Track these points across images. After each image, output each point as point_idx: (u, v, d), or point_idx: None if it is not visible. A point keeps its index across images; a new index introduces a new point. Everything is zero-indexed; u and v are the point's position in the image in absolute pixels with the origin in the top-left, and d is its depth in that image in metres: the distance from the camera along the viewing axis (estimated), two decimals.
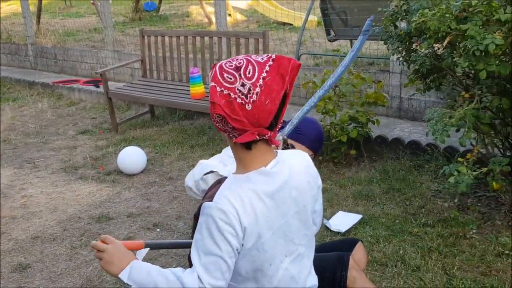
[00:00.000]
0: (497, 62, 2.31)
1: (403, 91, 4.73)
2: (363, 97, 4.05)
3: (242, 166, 1.31)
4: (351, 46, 6.00)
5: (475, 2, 2.36)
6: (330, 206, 3.44)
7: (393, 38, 3.10)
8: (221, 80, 1.25)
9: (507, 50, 2.38)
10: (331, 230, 3.13)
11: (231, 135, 1.29)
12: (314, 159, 1.81)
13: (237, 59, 1.28)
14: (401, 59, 3.16)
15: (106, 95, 5.28)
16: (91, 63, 7.86)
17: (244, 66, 1.25)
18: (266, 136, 1.27)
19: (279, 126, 1.32)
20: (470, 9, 2.41)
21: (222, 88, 1.24)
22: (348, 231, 3.10)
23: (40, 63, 8.94)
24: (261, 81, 1.24)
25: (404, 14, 2.95)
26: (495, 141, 2.98)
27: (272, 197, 1.30)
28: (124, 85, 5.63)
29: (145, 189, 3.95)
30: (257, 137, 1.26)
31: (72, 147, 5.07)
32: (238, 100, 1.23)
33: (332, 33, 6.33)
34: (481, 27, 2.37)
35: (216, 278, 1.25)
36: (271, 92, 1.24)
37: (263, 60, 1.27)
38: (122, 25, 11.70)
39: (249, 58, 1.28)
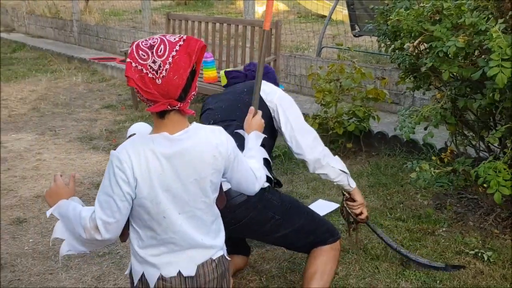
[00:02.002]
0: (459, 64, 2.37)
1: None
2: (363, 92, 4.13)
3: (155, 130, 1.50)
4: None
5: (447, 5, 2.43)
6: (313, 194, 3.57)
7: (385, 35, 3.18)
8: (136, 56, 1.42)
9: (474, 53, 2.44)
10: None
11: (147, 104, 1.46)
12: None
13: (153, 39, 1.44)
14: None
15: None
16: (128, 43, 8.20)
17: (157, 45, 1.41)
18: (177, 106, 1.44)
19: (191, 98, 1.48)
20: (444, 12, 2.48)
21: (136, 64, 1.41)
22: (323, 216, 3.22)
23: (83, 39, 9.39)
24: (170, 59, 1.40)
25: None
26: (472, 142, 3.02)
27: (169, 160, 1.46)
28: None
29: None
30: (169, 107, 1.43)
31: (93, 120, 5.39)
32: (150, 75, 1.40)
33: (357, 28, 6.36)
34: (451, 29, 2.43)
35: (106, 215, 1.46)
36: (179, 68, 1.40)
37: (174, 40, 1.43)
38: (168, 8, 12.04)
39: (163, 38, 1.43)
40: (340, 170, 2.33)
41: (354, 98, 4.18)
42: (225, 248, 1.68)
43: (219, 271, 1.62)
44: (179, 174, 1.48)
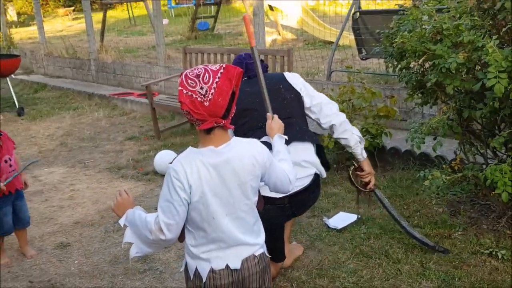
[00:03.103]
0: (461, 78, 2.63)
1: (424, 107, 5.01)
2: (374, 111, 4.39)
3: (202, 145, 1.78)
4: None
5: (446, 26, 2.70)
6: (334, 207, 3.80)
7: (391, 57, 3.46)
8: (186, 85, 1.70)
9: (474, 67, 2.70)
10: (329, 227, 3.49)
11: (196, 124, 1.74)
12: None
13: (198, 69, 1.73)
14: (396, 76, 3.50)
15: (150, 105, 5.90)
16: (145, 77, 8.57)
17: (202, 73, 1.70)
18: (221, 123, 1.73)
19: (231, 115, 1.76)
20: (444, 32, 2.75)
21: (187, 91, 1.70)
22: (344, 228, 3.45)
23: (101, 77, 9.80)
24: (214, 85, 1.68)
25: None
26: (480, 151, 3.25)
27: (215, 168, 1.73)
28: (167, 97, 6.23)
29: None
30: (215, 124, 1.71)
31: (119, 151, 5.69)
32: (199, 99, 1.68)
33: (364, 51, 6.67)
34: (451, 48, 2.70)
35: (168, 218, 1.72)
36: (222, 92, 1.69)
37: (216, 69, 1.71)
38: (179, 43, 12.48)
39: (206, 67, 1.72)
40: (358, 137, 2.79)
41: (366, 116, 4.44)
42: (265, 246, 1.92)
43: (261, 266, 1.87)
44: (224, 181, 1.74)
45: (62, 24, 21.08)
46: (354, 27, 6.56)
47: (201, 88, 1.68)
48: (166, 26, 12.37)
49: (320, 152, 2.73)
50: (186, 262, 1.87)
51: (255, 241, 1.85)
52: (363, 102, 4.29)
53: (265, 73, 2.78)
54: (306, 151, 2.67)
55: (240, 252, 1.83)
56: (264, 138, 2.26)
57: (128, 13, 18.32)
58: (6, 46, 12.82)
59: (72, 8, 24.25)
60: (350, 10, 6.45)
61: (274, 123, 2.22)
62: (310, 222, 3.62)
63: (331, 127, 2.76)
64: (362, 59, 6.82)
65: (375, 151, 4.45)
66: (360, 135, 2.82)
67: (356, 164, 2.91)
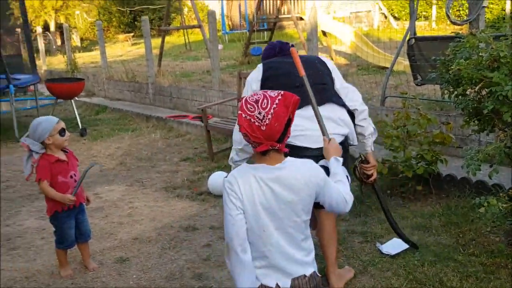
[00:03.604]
0: None
1: (481, 134, 4.92)
2: (430, 137, 4.36)
3: (257, 163, 1.90)
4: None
5: (503, 53, 2.70)
6: (387, 233, 3.78)
7: (447, 83, 3.46)
8: (245, 109, 1.82)
9: None
10: (382, 252, 3.48)
11: (252, 145, 1.86)
12: None
13: (257, 95, 1.85)
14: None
15: (205, 128, 6.09)
16: (200, 101, 8.82)
17: (261, 99, 1.82)
18: (276, 147, 1.83)
19: (286, 139, 1.87)
20: (502, 60, 2.75)
21: (246, 115, 1.81)
22: (398, 254, 3.43)
23: (158, 100, 10.16)
24: (272, 110, 1.80)
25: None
26: None
27: (268, 183, 1.85)
28: (221, 120, 6.41)
29: None
30: (270, 147, 1.82)
31: (174, 171, 5.88)
32: (256, 123, 1.80)
33: (419, 77, 6.63)
34: (508, 75, 2.70)
35: (226, 228, 1.90)
36: (279, 118, 1.80)
37: (274, 95, 1.83)
38: (233, 67, 12.78)
39: (265, 94, 1.84)
40: (373, 128, 3.07)
41: (421, 143, 4.41)
42: (315, 265, 1.98)
43: (311, 285, 1.93)
44: (276, 196, 1.85)
45: (122, 49, 22.03)
46: (409, 53, 6.55)
47: (259, 113, 1.80)
48: (220, 51, 12.72)
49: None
50: None
51: (304, 259, 1.92)
52: (418, 128, 4.29)
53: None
54: (342, 112, 2.93)
55: (290, 270, 1.90)
56: (321, 162, 2.34)
57: (184, 38, 18.95)
58: (70, 69, 13.52)
59: (132, 34, 25.32)
60: (405, 36, 6.46)
61: (331, 145, 2.28)
62: (362, 247, 3.62)
63: (354, 111, 3.00)
64: (417, 85, 6.79)
65: (430, 178, 4.40)
66: (374, 127, 3.09)
67: (363, 157, 3.12)
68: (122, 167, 6.23)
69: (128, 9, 26.80)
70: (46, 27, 27.67)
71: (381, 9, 19.72)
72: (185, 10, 23.88)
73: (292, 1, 13.32)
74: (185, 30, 18.97)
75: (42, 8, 28.53)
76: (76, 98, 9.23)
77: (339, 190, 2.02)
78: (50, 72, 15.76)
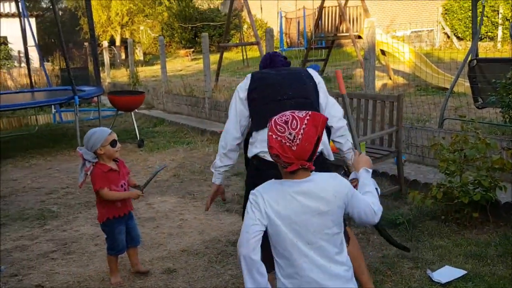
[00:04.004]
0: None
1: None
2: (488, 162, 4.19)
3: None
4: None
5: None
6: (439, 260, 3.65)
7: (508, 107, 3.33)
8: (275, 130, 1.84)
9: None
10: (432, 280, 3.36)
11: (283, 165, 1.87)
12: None
13: (285, 115, 1.86)
14: None
15: None
16: None
17: (290, 120, 1.83)
18: (306, 165, 1.85)
19: (314, 158, 1.87)
20: None
21: (276, 136, 1.83)
22: (449, 283, 3.30)
23: (213, 114, 10.35)
24: (302, 131, 1.81)
25: None
26: None
27: (295, 197, 1.85)
28: None
29: None
30: (300, 166, 1.84)
31: (225, 185, 5.92)
32: (287, 144, 1.82)
33: (480, 100, 6.41)
34: None
35: (241, 237, 1.88)
36: (309, 137, 1.82)
37: (303, 116, 1.84)
38: None
39: (294, 114, 1.85)
40: (351, 143, 3.02)
41: (479, 168, 4.24)
42: (354, 281, 1.95)
43: None
44: (304, 209, 1.85)
45: (181, 64, 22.65)
46: (470, 74, 6.37)
47: (290, 133, 1.82)
48: None
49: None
50: None
51: (342, 273, 1.90)
52: (477, 153, 4.13)
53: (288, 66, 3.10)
54: None
55: (327, 285, 1.86)
56: (352, 175, 2.33)
57: (242, 55, 19.23)
58: (132, 83, 14.03)
59: (192, 49, 25.98)
60: (466, 57, 6.28)
61: (361, 158, 2.28)
62: (412, 273, 3.51)
63: (330, 127, 2.99)
64: (478, 107, 6.57)
65: (488, 205, 4.22)
66: (352, 142, 3.05)
67: (346, 168, 3.12)
68: (175, 179, 6.36)
69: (189, 25, 27.58)
70: (112, 42, 28.94)
71: (443, 29, 19.25)
72: (245, 27, 24.31)
73: (351, 20, 13.25)
74: (243, 47, 19.27)
75: (109, 24, 29.89)
76: (136, 110, 9.55)
77: (368, 201, 1.99)
78: (114, 85, 16.41)
